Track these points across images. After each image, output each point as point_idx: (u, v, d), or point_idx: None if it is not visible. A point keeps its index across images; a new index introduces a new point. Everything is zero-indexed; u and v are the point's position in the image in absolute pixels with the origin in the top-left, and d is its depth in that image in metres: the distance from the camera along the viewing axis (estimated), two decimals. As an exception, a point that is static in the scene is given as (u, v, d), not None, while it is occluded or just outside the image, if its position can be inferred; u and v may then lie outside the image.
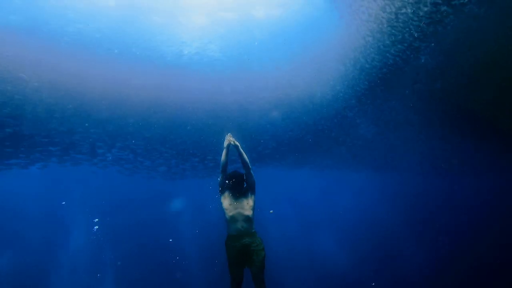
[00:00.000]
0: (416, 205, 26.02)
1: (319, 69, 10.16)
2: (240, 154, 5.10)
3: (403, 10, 7.17)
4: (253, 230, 4.97)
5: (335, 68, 10.04)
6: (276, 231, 26.07)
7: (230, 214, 4.90)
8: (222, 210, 5.02)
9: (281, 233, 26.98)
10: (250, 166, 5.12)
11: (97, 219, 17.52)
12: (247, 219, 4.93)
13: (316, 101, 11.81)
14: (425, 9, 7.03)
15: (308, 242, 27.16)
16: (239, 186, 5.04)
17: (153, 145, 14.21)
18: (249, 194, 5.08)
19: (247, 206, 4.97)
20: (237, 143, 5.14)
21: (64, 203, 21.00)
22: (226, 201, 5.00)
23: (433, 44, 8.28)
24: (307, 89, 11.17)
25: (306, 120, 13.13)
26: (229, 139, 5.16)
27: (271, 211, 27.29)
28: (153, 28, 8.71)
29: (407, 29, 7.82)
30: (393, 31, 7.93)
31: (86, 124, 11.68)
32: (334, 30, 8.70)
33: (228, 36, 9.10)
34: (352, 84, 10.64)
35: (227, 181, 5.07)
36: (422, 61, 8.98)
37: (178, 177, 18.92)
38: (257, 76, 10.50)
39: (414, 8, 7.04)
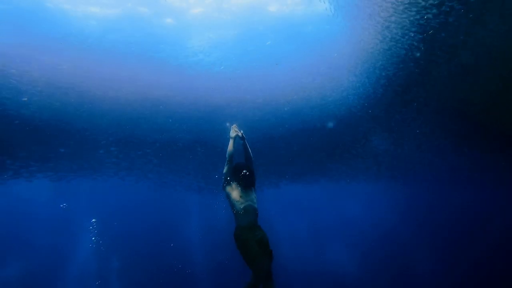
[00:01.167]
0: (430, 216, 25.78)
1: (331, 76, 10.16)
2: (245, 147, 5.19)
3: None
4: (258, 224, 4.99)
5: (347, 76, 10.05)
6: (287, 243, 26.03)
7: (242, 206, 4.82)
8: (230, 202, 4.92)
9: (293, 243, 26.91)
10: (253, 161, 5.23)
11: (94, 219, 17.17)
12: (256, 212, 4.93)
13: (329, 110, 11.82)
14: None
15: (319, 253, 27.01)
16: (250, 178, 5.01)
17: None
18: (253, 188, 5.11)
19: (254, 199, 4.99)
20: (243, 135, 5.22)
21: (64, 205, 20.89)
22: (235, 192, 4.91)
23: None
24: (319, 96, 11.14)
25: (319, 128, 13.11)
26: (235, 130, 5.19)
27: None
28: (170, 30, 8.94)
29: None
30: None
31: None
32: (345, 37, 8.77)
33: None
34: (367, 93, 10.62)
35: (241, 173, 4.95)
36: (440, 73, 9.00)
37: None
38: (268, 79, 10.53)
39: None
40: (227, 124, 5.32)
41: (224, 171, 5.02)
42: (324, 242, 28.38)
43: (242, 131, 5.20)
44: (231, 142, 5.09)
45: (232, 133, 5.14)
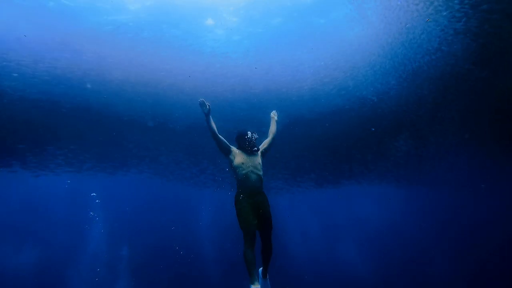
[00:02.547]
0: (448, 221, 25.50)
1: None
2: (276, 124, 5.52)
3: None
4: (263, 190, 4.95)
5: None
6: (302, 247, 25.93)
7: (244, 172, 4.79)
8: (232, 168, 4.88)
9: (307, 248, 26.82)
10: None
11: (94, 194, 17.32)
12: (260, 178, 4.88)
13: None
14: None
15: (334, 257, 26.90)
16: (255, 145, 5.01)
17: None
18: (260, 154, 5.09)
19: (259, 165, 4.94)
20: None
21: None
22: (238, 158, 4.89)
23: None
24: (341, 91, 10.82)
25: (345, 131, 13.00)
26: (274, 116, 5.58)
27: None
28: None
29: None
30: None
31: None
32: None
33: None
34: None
35: (246, 136, 4.96)
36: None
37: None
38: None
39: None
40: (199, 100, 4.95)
41: (221, 141, 4.92)
42: (339, 245, 28.25)
43: (209, 104, 4.94)
44: (211, 121, 4.89)
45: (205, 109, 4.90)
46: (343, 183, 20.02)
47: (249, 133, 4.99)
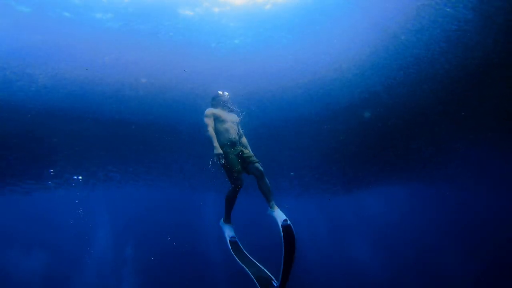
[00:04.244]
0: (462, 218, 25.35)
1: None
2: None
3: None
4: (243, 143, 5.39)
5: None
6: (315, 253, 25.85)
7: (225, 125, 5.24)
8: (216, 124, 5.22)
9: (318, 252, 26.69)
10: None
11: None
12: (239, 132, 5.42)
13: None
14: None
15: (347, 259, 26.77)
16: (228, 99, 5.60)
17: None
18: (237, 117, 5.65)
19: (237, 121, 5.52)
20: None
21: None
22: (219, 114, 5.34)
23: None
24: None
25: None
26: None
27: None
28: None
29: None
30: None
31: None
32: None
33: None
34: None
35: (218, 96, 5.57)
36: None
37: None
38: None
39: None
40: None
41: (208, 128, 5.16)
42: (349, 244, 28.11)
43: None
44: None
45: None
46: (354, 187, 19.86)
47: (220, 92, 5.64)
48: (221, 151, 4.90)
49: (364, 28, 8.20)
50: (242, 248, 5.01)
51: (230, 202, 5.14)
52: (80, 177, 14.07)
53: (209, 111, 5.36)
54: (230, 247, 4.88)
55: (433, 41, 8.24)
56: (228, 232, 5.11)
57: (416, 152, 14.78)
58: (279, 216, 4.49)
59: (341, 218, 27.84)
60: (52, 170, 14.17)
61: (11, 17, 7.45)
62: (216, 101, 5.60)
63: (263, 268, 4.61)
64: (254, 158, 5.11)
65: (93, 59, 8.75)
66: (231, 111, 5.60)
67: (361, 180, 18.84)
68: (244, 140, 5.46)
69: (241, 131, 5.53)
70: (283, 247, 4.16)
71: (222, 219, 5.29)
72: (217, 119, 5.26)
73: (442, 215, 25.76)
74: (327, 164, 15.54)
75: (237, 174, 4.91)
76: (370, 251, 27.37)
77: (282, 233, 4.24)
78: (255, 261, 4.73)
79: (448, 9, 7.23)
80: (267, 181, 4.92)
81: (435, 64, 8.96)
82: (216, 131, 5.17)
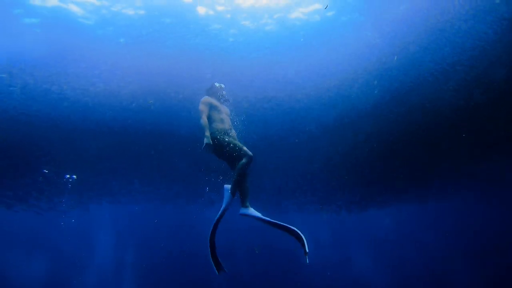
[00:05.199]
0: (472, 235, 24.83)
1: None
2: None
3: None
4: (233, 136, 5.26)
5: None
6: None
7: (220, 116, 5.27)
8: (211, 114, 5.19)
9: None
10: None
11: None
12: (230, 124, 5.41)
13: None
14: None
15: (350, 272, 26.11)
16: (222, 90, 5.70)
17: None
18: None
19: (228, 112, 5.62)
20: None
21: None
22: (215, 104, 5.34)
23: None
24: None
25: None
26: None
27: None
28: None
29: None
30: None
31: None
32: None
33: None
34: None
35: (214, 88, 5.65)
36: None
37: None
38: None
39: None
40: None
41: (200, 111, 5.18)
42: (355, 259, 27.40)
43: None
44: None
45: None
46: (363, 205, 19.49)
47: (217, 83, 5.71)
48: (211, 142, 4.87)
49: (369, 43, 8.15)
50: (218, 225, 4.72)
51: (239, 181, 4.78)
52: (74, 176, 13.37)
53: (206, 99, 5.34)
54: (218, 216, 4.57)
55: (446, 57, 8.13)
56: (227, 202, 4.73)
57: (427, 171, 14.32)
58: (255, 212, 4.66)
59: (349, 235, 27.40)
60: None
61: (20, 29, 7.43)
62: (211, 92, 5.66)
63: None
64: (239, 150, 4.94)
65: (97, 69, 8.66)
66: (225, 101, 5.71)
67: (370, 198, 18.48)
68: (234, 133, 5.37)
69: (231, 124, 5.56)
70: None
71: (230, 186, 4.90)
72: (213, 108, 5.28)
73: (452, 232, 25.27)
74: (336, 180, 15.09)
75: (235, 150, 4.84)
76: (377, 269, 26.81)
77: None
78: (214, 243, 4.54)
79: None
80: (248, 183, 4.94)
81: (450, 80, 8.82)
82: (211, 119, 5.18)
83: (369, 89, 9.43)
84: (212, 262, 4.34)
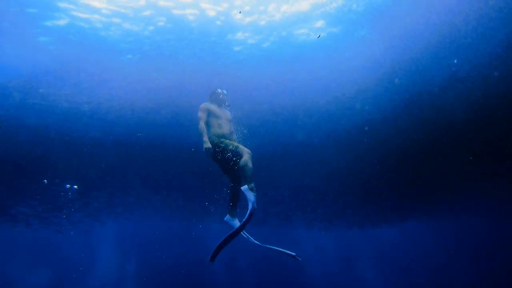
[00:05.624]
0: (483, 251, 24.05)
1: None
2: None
3: None
4: (234, 139, 5.35)
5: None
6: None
7: (219, 121, 5.29)
8: (210, 119, 5.25)
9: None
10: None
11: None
12: (231, 129, 5.43)
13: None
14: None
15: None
16: (224, 97, 5.71)
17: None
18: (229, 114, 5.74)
19: (229, 117, 5.60)
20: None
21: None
22: (214, 110, 5.38)
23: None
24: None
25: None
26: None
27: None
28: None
29: None
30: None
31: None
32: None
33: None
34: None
35: (216, 93, 5.66)
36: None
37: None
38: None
39: None
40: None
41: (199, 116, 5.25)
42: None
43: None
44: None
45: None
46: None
47: (219, 90, 5.74)
48: (210, 146, 4.88)
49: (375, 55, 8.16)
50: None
51: (232, 198, 5.15)
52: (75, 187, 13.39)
53: (204, 105, 5.41)
54: (247, 216, 4.47)
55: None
56: (253, 201, 4.60)
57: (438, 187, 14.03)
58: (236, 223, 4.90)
59: (357, 251, 26.84)
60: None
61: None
62: (213, 98, 5.71)
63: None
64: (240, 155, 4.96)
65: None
66: (226, 106, 5.77)
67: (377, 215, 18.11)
68: (234, 137, 5.47)
69: (232, 129, 5.59)
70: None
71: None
72: (211, 114, 5.32)
73: (462, 248, 24.57)
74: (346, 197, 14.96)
75: (231, 153, 4.92)
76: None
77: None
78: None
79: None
80: (239, 194, 5.05)
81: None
82: (209, 125, 5.24)
83: (380, 102, 9.40)
84: (214, 251, 4.47)
